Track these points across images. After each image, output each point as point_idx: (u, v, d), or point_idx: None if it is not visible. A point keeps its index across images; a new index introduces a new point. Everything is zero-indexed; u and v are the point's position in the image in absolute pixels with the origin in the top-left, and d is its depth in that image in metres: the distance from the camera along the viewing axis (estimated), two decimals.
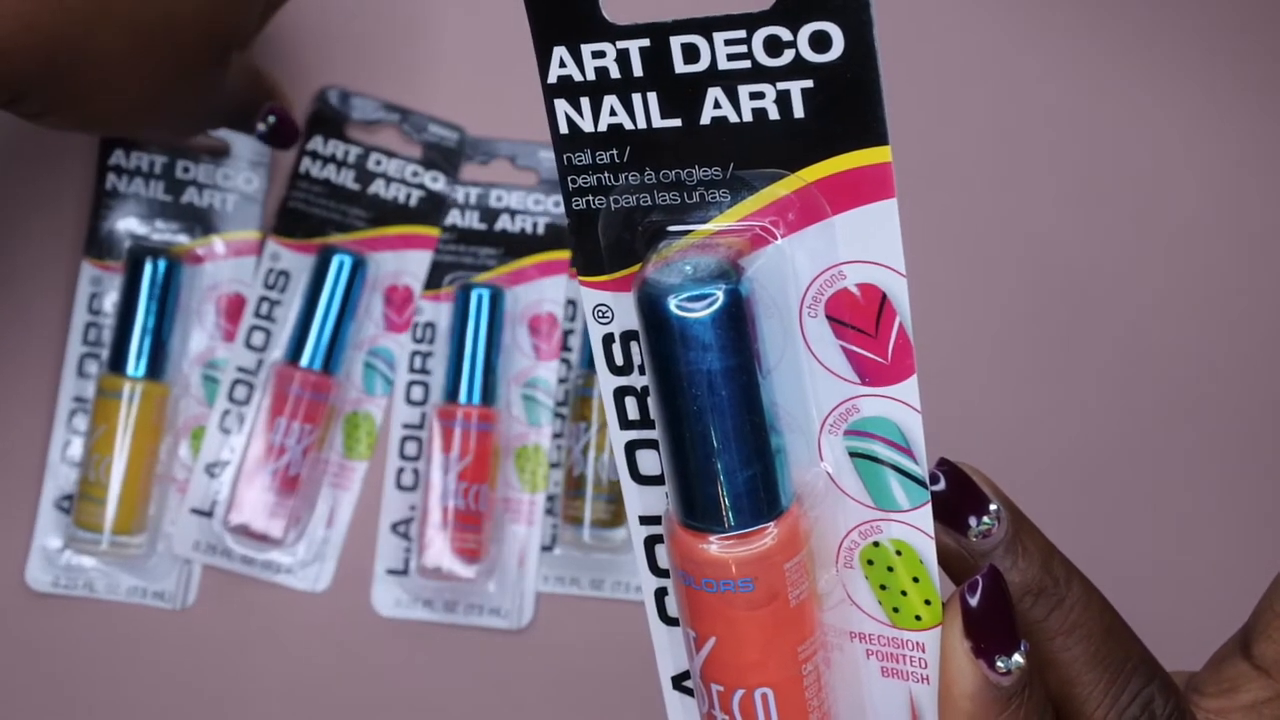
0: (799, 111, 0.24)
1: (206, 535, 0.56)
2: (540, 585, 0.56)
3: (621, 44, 0.24)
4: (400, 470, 0.57)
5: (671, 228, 0.26)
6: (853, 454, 0.26)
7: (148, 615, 0.56)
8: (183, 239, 0.58)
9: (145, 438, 0.54)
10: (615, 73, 0.25)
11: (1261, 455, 0.58)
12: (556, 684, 0.56)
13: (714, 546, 0.25)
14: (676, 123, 0.25)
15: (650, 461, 0.28)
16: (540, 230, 0.59)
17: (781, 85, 0.24)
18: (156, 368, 0.55)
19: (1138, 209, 0.60)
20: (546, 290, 0.58)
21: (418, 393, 0.57)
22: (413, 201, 0.59)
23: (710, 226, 0.25)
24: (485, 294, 0.56)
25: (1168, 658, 0.29)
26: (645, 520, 0.28)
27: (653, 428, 0.27)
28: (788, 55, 0.23)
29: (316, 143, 0.59)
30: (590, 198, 0.26)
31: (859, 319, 0.25)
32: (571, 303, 0.58)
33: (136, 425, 0.54)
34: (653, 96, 0.25)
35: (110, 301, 0.56)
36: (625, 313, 0.27)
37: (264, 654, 0.56)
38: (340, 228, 0.58)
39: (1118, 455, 0.58)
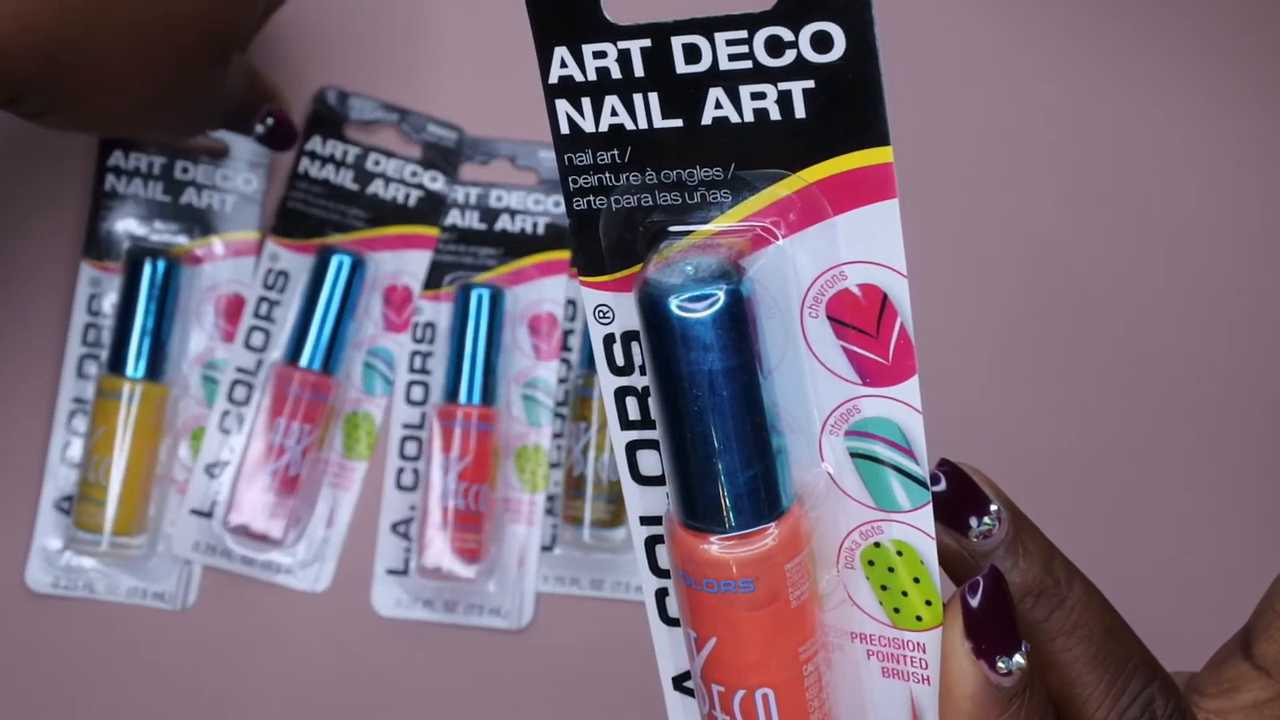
0: (800, 112, 0.24)
1: (206, 536, 0.56)
2: (540, 585, 0.56)
3: (623, 44, 0.24)
4: (400, 470, 0.57)
5: (673, 228, 0.26)
6: (854, 454, 0.26)
7: (148, 616, 0.56)
8: (182, 240, 0.58)
9: (145, 438, 0.54)
10: (616, 73, 0.25)
11: (1261, 455, 0.58)
12: (556, 684, 0.56)
13: (715, 547, 0.25)
14: (678, 123, 0.25)
15: (651, 462, 0.28)
16: (540, 230, 0.59)
17: (783, 85, 0.24)
18: (156, 368, 0.55)
19: (1138, 209, 0.60)
20: (546, 290, 0.58)
21: (418, 393, 0.57)
22: (412, 201, 0.59)
23: (711, 227, 0.25)
24: (485, 294, 0.56)
25: (1168, 658, 0.29)
26: (646, 520, 0.28)
27: (653, 428, 0.27)
28: (789, 55, 0.23)
29: (315, 143, 0.58)
30: (591, 198, 0.26)
31: (860, 319, 0.25)
32: (571, 303, 0.58)
33: (136, 426, 0.54)
34: (654, 97, 0.25)
35: (109, 302, 0.56)
36: (626, 313, 0.27)
37: (264, 654, 0.56)
38: (339, 228, 0.58)
39: (1118, 455, 0.58)
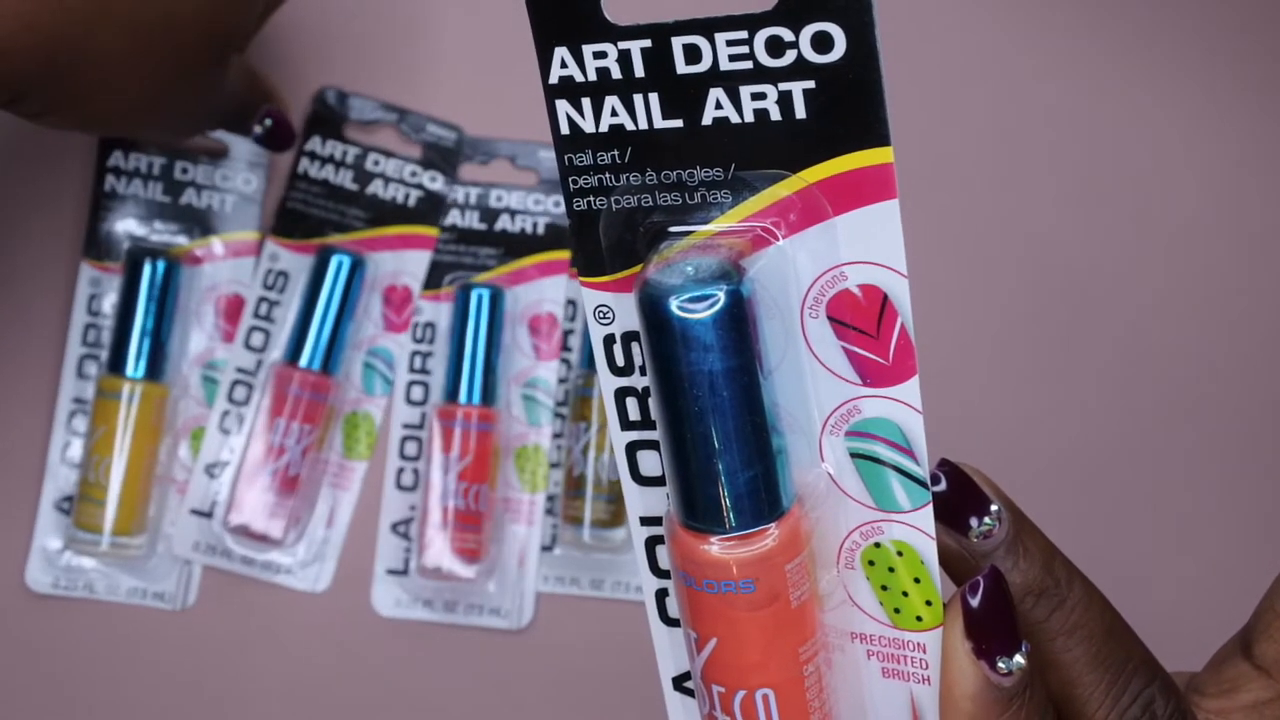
0: (801, 112, 0.24)
1: (206, 536, 0.56)
2: (540, 585, 0.56)
3: (623, 44, 0.24)
4: (400, 470, 0.57)
5: (673, 228, 0.26)
6: (854, 455, 0.26)
7: (148, 616, 0.56)
8: (181, 240, 0.58)
9: (145, 439, 0.54)
10: (617, 73, 0.25)
11: (1261, 455, 0.58)
12: (556, 684, 0.56)
13: (715, 547, 0.25)
14: (678, 123, 0.25)
15: (651, 462, 0.28)
16: (540, 230, 0.59)
17: (783, 86, 0.24)
18: (156, 369, 0.55)
19: (1138, 209, 0.60)
20: (546, 290, 0.58)
21: (418, 393, 0.57)
22: (411, 201, 0.59)
23: (712, 227, 0.25)
24: (485, 294, 0.56)
25: (1168, 658, 0.29)
26: (646, 521, 0.28)
27: (654, 428, 0.27)
28: (789, 56, 0.23)
29: (315, 143, 0.58)
30: (591, 198, 0.26)
31: (860, 320, 0.25)
32: (571, 303, 0.58)
33: (136, 426, 0.54)
34: (654, 97, 0.25)
35: (109, 303, 0.56)
36: (626, 313, 0.27)
37: (264, 654, 0.56)
38: (339, 228, 0.58)
39: (1118, 455, 0.58)
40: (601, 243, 0.26)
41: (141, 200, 0.58)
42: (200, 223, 0.58)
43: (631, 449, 0.28)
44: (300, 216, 0.58)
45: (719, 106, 0.24)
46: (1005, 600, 0.26)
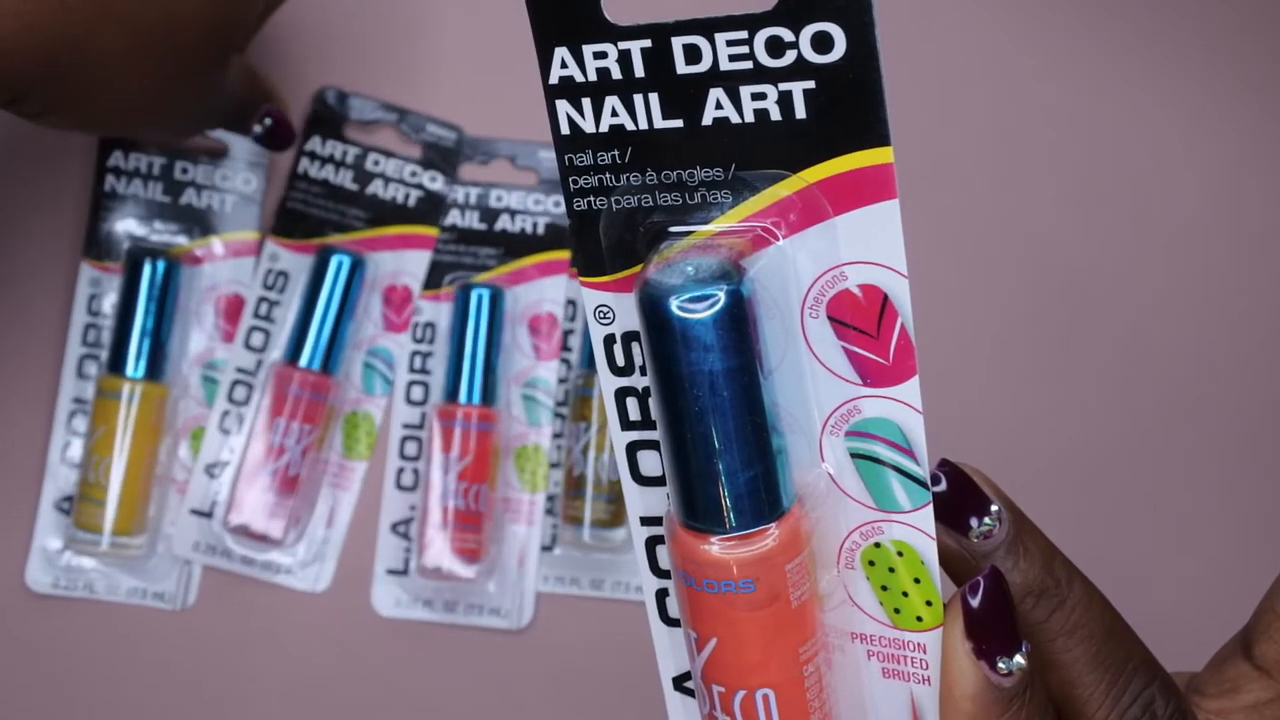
0: (801, 112, 0.24)
1: (206, 536, 0.56)
2: (540, 585, 0.56)
3: (623, 44, 0.24)
4: (400, 470, 0.57)
5: (673, 228, 0.26)
6: (854, 455, 0.26)
7: (148, 616, 0.56)
8: (181, 240, 0.58)
9: (145, 439, 0.54)
10: (617, 73, 0.25)
11: (1261, 455, 0.58)
12: (556, 684, 0.56)
13: (715, 547, 0.25)
14: (678, 123, 0.25)
15: (651, 462, 0.28)
16: (540, 230, 0.59)
17: (783, 86, 0.24)
18: (156, 369, 0.55)
19: (1138, 209, 0.60)
20: (546, 290, 0.58)
21: (418, 393, 0.57)
22: (411, 201, 0.59)
23: (712, 227, 0.25)
24: (485, 294, 0.56)
25: (1168, 658, 0.29)
26: (646, 521, 0.28)
27: (654, 429, 0.27)
28: (790, 56, 0.23)
29: (315, 143, 0.58)
30: (592, 198, 0.26)
31: (860, 320, 0.25)
32: (571, 303, 0.58)
33: (136, 426, 0.54)
34: (654, 97, 0.25)
35: (109, 303, 0.56)
36: (627, 313, 0.27)
37: (264, 654, 0.56)
38: (339, 228, 0.58)
39: (1118, 455, 0.58)
40: (602, 243, 0.26)
41: (141, 200, 0.58)
42: (200, 223, 0.58)
43: (632, 449, 0.28)
44: (300, 216, 0.58)
45: (719, 106, 0.24)
46: (1005, 600, 0.26)
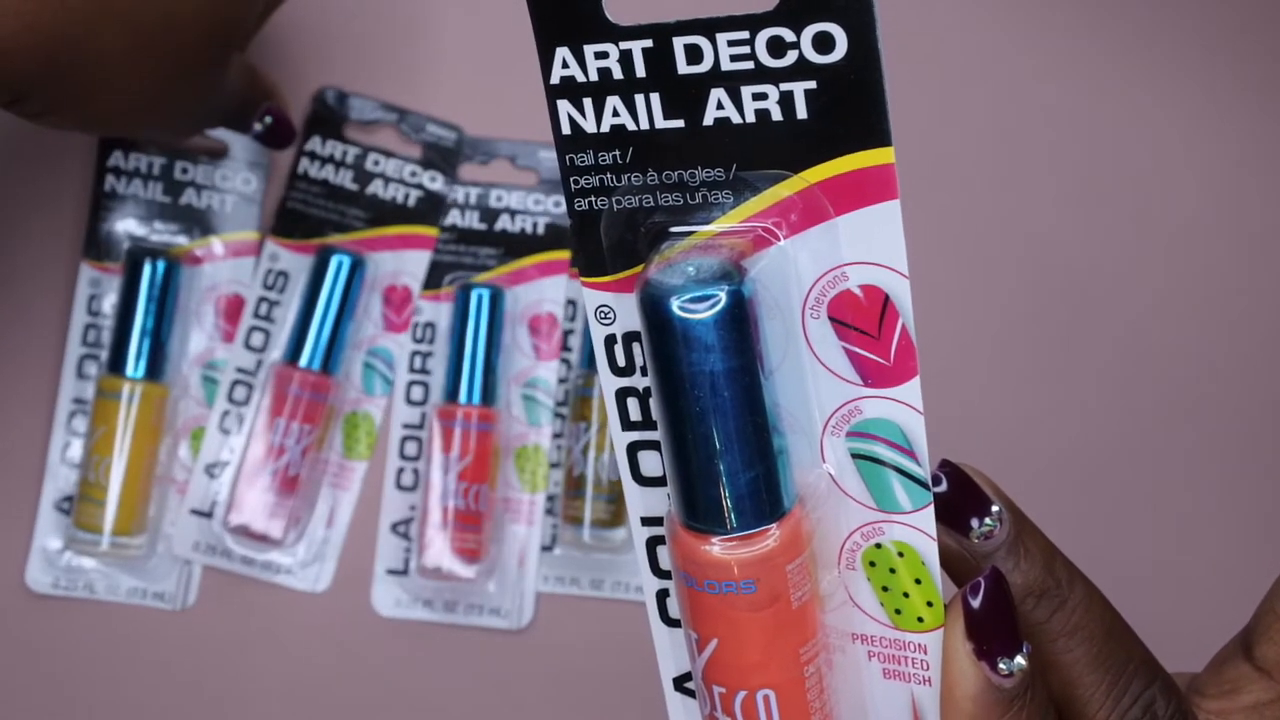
0: (802, 113, 0.24)
1: (206, 536, 0.56)
2: (540, 585, 0.56)
3: (624, 44, 0.24)
4: (400, 470, 0.57)
5: (674, 229, 0.26)
6: (855, 455, 0.26)
7: (148, 616, 0.56)
8: (181, 240, 0.58)
9: (145, 439, 0.54)
10: (618, 73, 0.25)
11: (1261, 455, 0.58)
12: (556, 684, 0.56)
13: (716, 548, 0.25)
14: (679, 124, 0.25)
15: (652, 463, 0.28)
16: (540, 230, 0.59)
17: (785, 86, 0.24)
18: (156, 369, 0.55)
19: (1138, 209, 0.60)
20: (546, 290, 0.58)
21: (417, 393, 0.57)
22: (411, 201, 0.59)
23: (713, 228, 0.25)
24: (485, 294, 0.56)
25: (1169, 659, 0.29)
26: (647, 521, 0.28)
27: (655, 429, 0.27)
28: (791, 56, 0.23)
29: (314, 143, 0.58)
30: (593, 198, 0.26)
31: (861, 320, 0.25)
32: (571, 303, 0.58)
33: (136, 426, 0.54)
34: (655, 97, 0.25)
35: (109, 303, 0.56)
36: (627, 314, 0.26)
37: (264, 654, 0.56)
38: (339, 228, 0.58)
39: (1118, 455, 0.58)
40: (603, 243, 0.26)
41: (141, 200, 0.58)
42: (200, 223, 0.58)
43: (632, 449, 0.28)
44: (300, 216, 0.58)
45: (720, 107, 0.24)
46: (1006, 601, 0.26)
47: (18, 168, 0.58)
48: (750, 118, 0.24)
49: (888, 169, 0.24)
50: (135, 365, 0.54)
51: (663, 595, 0.29)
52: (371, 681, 0.56)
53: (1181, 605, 0.55)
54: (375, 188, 0.58)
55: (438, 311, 0.58)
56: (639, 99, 0.25)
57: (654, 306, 0.24)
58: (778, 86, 0.24)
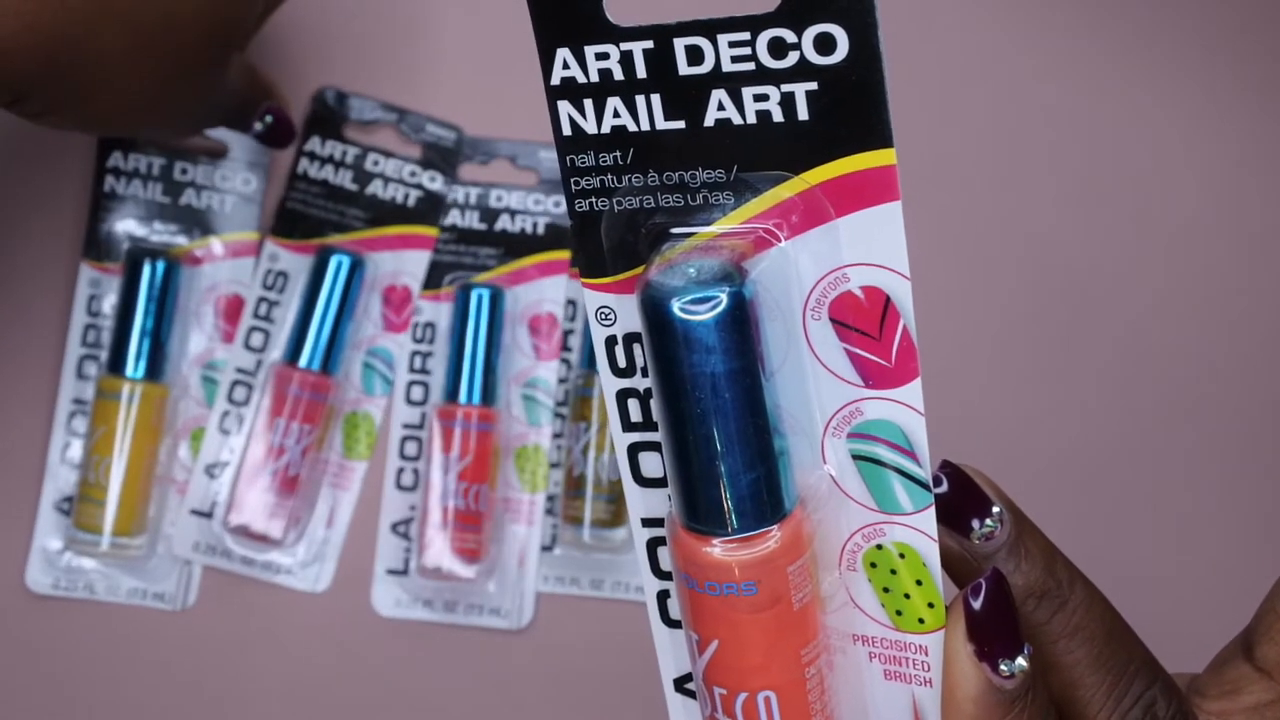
0: (803, 114, 0.24)
1: (206, 536, 0.56)
2: (540, 585, 0.56)
3: (625, 45, 0.24)
4: (400, 470, 0.57)
5: (675, 230, 0.26)
6: (856, 457, 0.26)
7: (148, 616, 0.56)
8: (181, 240, 0.57)
9: (145, 439, 0.54)
10: (619, 74, 0.25)
11: (1261, 455, 0.58)
12: (556, 684, 0.56)
13: (717, 549, 0.25)
14: (680, 125, 0.25)
15: (653, 464, 0.28)
16: (540, 230, 0.59)
17: (786, 87, 0.24)
18: (155, 369, 0.55)
19: (1138, 209, 0.60)
20: (546, 290, 0.58)
21: (417, 393, 0.57)
22: (411, 201, 0.58)
23: (714, 229, 0.25)
24: (485, 294, 0.56)
25: (1169, 659, 0.29)
26: (648, 523, 0.28)
27: (655, 430, 0.27)
28: (792, 57, 0.23)
29: (314, 143, 0.58)
30: (593, 199, 0.26)
31: (862, 322, 0.25)
32: (572, 303, 0.58)
33: (136, 426, 0.54)
34: (656, 98, 0.25)
35: (109, 303, 0.56)
36: (628, 315, 0.26)
37: (264, 654, 0.56)
38: (338, 228, 0.58)
39: (1118, 455, 0.58)
40: (603, 244, 0.26)
41: (141, 200, 0.58)
42: (200, 223, 0.58)
43: (633, 450, 0.28)
44: (300, 216, 0.58)
45: (721, 108, 0.24)
46: (1007, 602, 0.26)
47: (18, 168, 0.58)
48: (751, 119, 0.24)
49: (889, 170, 0.24)
50: (135, 365, 0.54)
51: (663, 596, 0.29)
52: (371, 681, 0.56)
53: (1181, 605, 0.55)
54: (375, 188, 0.58)
55: (438, 311, 0.58)
56: (640, 100, 0.25)
57: (655, 308, 0.24)
58: (779, 87, 0.24)
